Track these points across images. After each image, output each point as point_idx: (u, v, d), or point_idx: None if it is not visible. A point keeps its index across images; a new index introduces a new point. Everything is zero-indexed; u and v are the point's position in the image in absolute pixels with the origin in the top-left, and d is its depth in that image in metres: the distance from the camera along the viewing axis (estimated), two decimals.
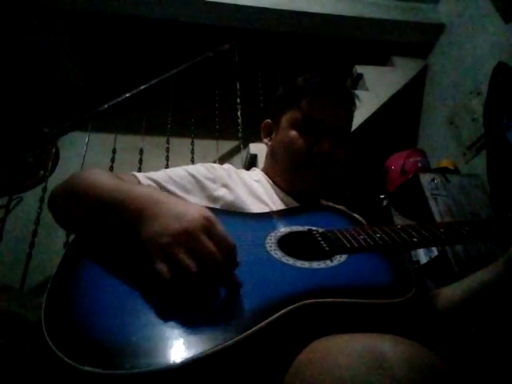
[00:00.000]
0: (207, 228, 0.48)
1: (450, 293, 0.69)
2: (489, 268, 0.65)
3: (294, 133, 0.81)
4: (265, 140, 0.93)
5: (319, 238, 0.62)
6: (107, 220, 0.57)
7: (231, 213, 0.71)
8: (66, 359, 0.38)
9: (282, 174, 0.84)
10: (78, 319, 0.44)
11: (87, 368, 0.37)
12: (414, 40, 2.74)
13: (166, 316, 0.44)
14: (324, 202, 0.89)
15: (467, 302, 0.65)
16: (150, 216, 0.50)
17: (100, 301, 0.46)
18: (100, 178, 0.61)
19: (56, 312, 0.44)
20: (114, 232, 0.56)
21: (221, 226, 0.49)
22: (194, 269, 0.44)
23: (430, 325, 0.67)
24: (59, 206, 0.64)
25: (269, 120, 0.93)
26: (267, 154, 0.92)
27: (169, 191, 0.71)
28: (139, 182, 0.71)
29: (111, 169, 2.05)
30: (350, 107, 0.86)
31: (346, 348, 0.39)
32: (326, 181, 0.83)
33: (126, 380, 0.37)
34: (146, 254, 0.48)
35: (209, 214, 0.50)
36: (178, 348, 0.39)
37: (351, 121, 0.88)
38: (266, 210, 0.75)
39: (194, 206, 0.52)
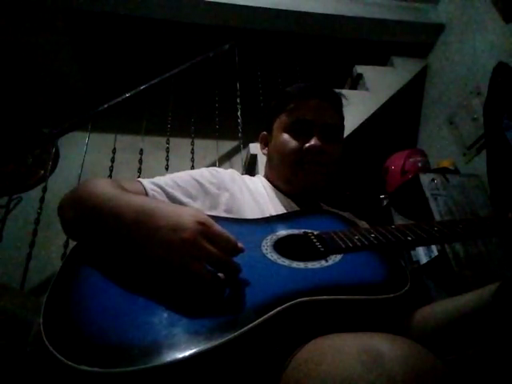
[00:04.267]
0: (204, 232, 0.50)
1: (427, 315, 0.64)
2: (470, 296, 0.58)
3: (285, 136, 0.86)
4: (263, 151, 0.97)
5: (314, 240, 0.63)
6: (105, 228, 0.58)
7: (229, 219, 0.71)
8: (64, 359, 0.38)
9: (280, 176, 0.87)
10: (75, 320, 0.44)
11: (84, 367, 0.37)
12: (414, 40, 2.74)
13: (161, 316, 0.44)
14: (325, 207, 0.91)
15: (443, 327, 0.60)
16: (146, 229, 0.52)
17: (97, 303, 0.47)
18: (100, 187, 0.63)
19: (54, 314, 0.45)
20: (112, 239, 0.58)
21: (216, 226, 0.52)
22: (207, 274, 0.49)
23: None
24: (65, 215, 0.65)
25: (265, 132, 0.97)
26: (266, 163, 0.95)
27: (173, 197, 0.73)
28: (144, 189, 0.72)
29: (111, 169, 2.05)
30: (335, 104, 0.89)
31: (343, 347, 0.39)
32: (323, 176, 0.85)
33: (124, 378, 0.37)
34: (147, 264, 0.52)
35: (202, 216, 0.52)
36: (174, 346, 0.40)
37: (341, 117, 0.91)
38: (267, 215, 0.76)
39: (187, 214, 0.53)
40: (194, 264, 0.49)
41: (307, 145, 0.82)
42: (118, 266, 0.55)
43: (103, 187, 0.63)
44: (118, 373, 0.37)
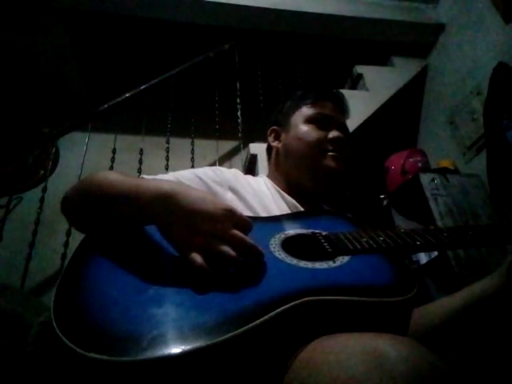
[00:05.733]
0: (230, 217, 0.53)
1: (440, 308, 0.66)
2: (483, 281, 0.62)
3: (307, 127, 0.88)
4: (274, 143, 0.95)
5: (322, 241, 0.63)
6: (122, 211, 0.59)
7: None
8: (73, 346, 0.39)
9: (299, 166, 0.87)
10: (85, 308, 0.45)
11: (93, 355, 0.38)
12: (414, 40, 2.74)
13: (170, 308, 0.45)
14: (326, 208, 0.91)
15: (459, 316, 0.62)
16: (169, 212, 0.54)
17: (108, 292, 0.48)
18: (112, 175, 0.64)
19: (65, 301, 0.46)
20: (128, 223, 0.59)
21: (239, 211, 0.56)
22: (234, 254, 0.51)
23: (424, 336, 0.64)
24: (74, 207, 0.65)
25: (275, 127, 0.97)
26: (278, 155, 0.93)
27: None
28: None
29: (111, 169, 2.05)
30: (346, 113, 0.96)
31: (345, 347, 0.39)
32: (344, 163, 0.87)
33: (132, 367, 0.38)
34: (166, 243, 0.54)
35: (224, 203, 0.56)
36: (182, 338, 0.40)
37: (347, 129, 0.95)
38: (272, 214, 0.76)
39: (211, 201, 0.55)
40: (220, 245, 0.51)
41: (331, 135, 0.86)
42: (129, 255, 0.55)
43: (114, 176, 0.63)
44: (125, 362, 0.38)
